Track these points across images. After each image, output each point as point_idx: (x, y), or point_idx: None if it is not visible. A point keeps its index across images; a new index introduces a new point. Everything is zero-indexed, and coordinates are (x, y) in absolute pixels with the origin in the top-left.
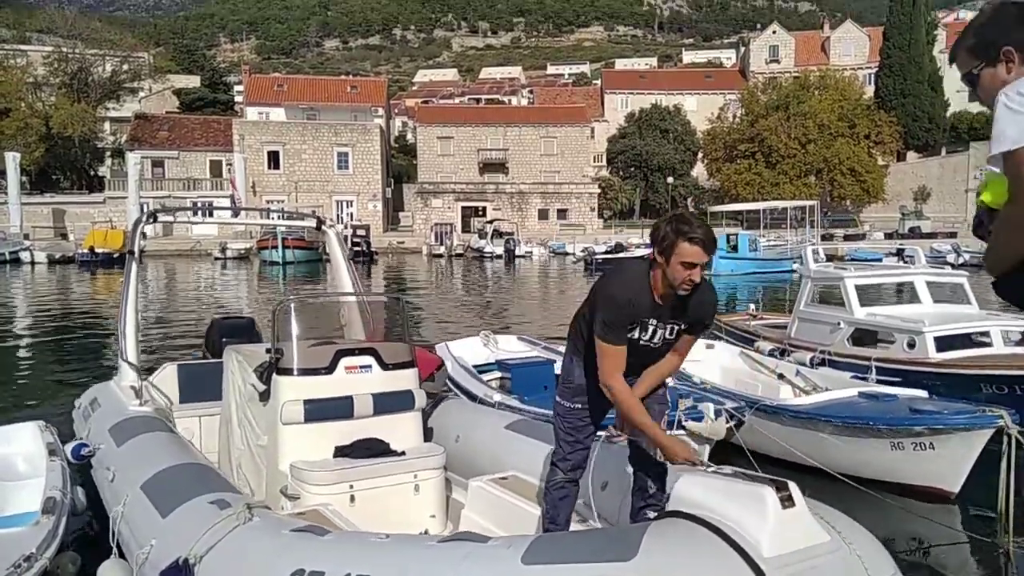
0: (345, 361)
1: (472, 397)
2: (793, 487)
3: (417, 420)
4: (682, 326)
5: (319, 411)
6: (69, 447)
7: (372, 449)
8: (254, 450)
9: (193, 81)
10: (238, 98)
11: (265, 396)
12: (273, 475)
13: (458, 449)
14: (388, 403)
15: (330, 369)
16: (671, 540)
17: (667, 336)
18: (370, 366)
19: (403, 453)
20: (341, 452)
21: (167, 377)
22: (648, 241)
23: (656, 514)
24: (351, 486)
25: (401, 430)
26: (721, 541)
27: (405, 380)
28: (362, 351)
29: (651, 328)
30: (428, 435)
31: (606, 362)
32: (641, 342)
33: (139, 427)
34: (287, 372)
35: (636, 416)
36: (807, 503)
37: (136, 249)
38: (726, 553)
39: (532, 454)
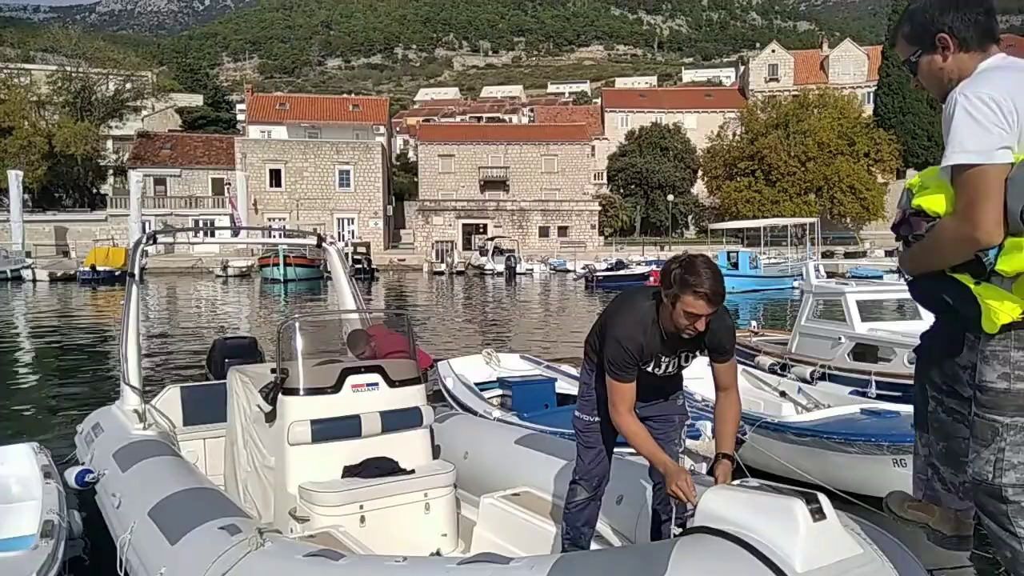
0: (351, 379)
1: (472, 413)
2: (823, 499)
3: (425, 437)
4: (696, 354)
5: (326, 431)
6: (73, 473)
7: (381, 468)
8: (260, 472)
9: (196, 100)
10: (240, 117)
11: (271, 417)
12: (281, 497)
13: (467, 465)
14: (396, 421)
15: (336, 388)
16: (701, 557)
17: (681, 364)
18: (377, 384)
19: (413, 471)
20: (350, 472)
21: (170, 399)
22: (648, 259)
23: (681, 528)
24: (361, 506)
25: (410, 448)
26: (752, 557)
27: (412, 397)
28: (368, 369)
29: (664, 362)
30: (436, 452)
31: (616, 399)
32: (655, 374)
33: (144, 451)
34: (293, 392)
35: (646, 448)
36: (837, 515)
37: (137, 271)
38: (758, 569)
39: (544, 469)
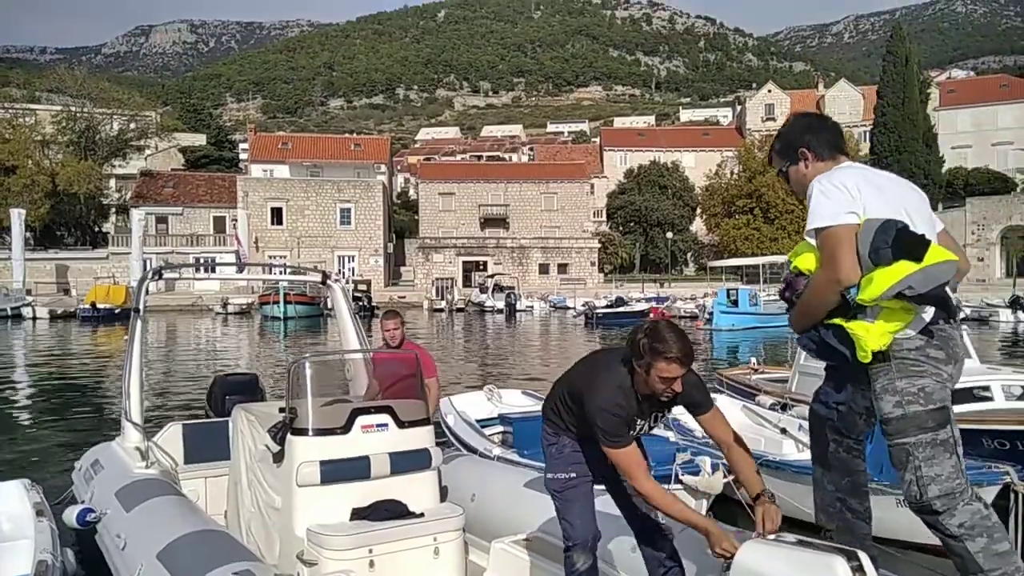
0: (361, 420)
1: (472, 451)
2: (863, 556)
3: (434, 479)
4: (666, 412)
5: (336, 472)
6: (74, 512)
7: (391, 511)
8: (265, 512)
9: (199, 139)
10: (243, 156)
11: (279, 457)
12: (287, 539)
13: (474, 508)
14: (405, 462)
15: (346, 428)
16: None
17: (651, 424)
18: (386, 425)
19: (422, 515)
20: (358, 514)
21: (171, 437)
22: (648, 295)
23: None
24: (370, 551)
25: (418, 490)
26: None
27: (421, 438)
28: (378, 409)
29: (639, 425)
30: (443, 494)
31: (628, 466)
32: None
33: (148, 491)
34: (302, 432)
35: (680, 514)
36: (877, 572)
37: (141, 307)
38: None
39: (554, 513)
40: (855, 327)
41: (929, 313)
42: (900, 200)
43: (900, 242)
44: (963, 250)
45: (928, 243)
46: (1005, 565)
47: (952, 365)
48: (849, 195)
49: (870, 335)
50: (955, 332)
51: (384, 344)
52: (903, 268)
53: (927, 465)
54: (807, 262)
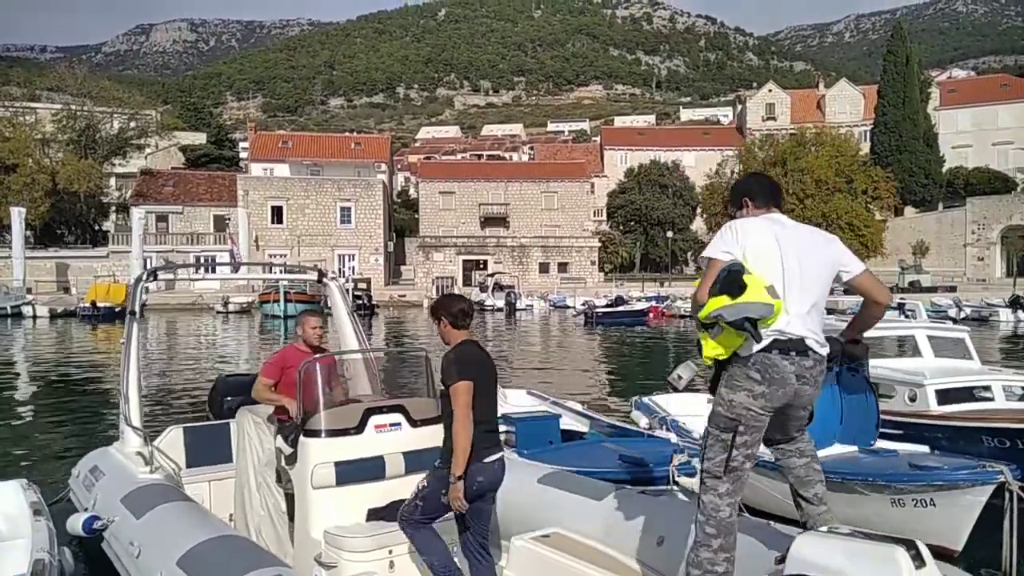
0: (374, 420)
1: None
2: (921, 545)
3: None
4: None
5: (351, 473)
6: (79, 520)
7: None
8: (274, 515)
9: (199, 138)
10: (243, 154)
11: (292, 459)
12: (304, 542)
13: None
14: (419, 461)
15: (360, 429)
16: None
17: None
18: (399, 424)
19: None
20: (375, 515)
21: (172, 441)
22: (648, 294)
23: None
24: (390, 551)
25: None
26: None
27: (434, 436)
28: (391, 408)
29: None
30: None
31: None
32: None
33: (156, 497)
34: (315, 434)
35: (463, 446)
36: (936, 563)
37: (137, 308)
38: None
39: (571, 509)
40: (701, 337)
41: (759, 345)
42: (795, 249)
43: (725, 282)
44: (885, 288)
45: (744, 286)
46: (716, 528)
47: (767, 386)
48: (735, 238)
49: (707, 346)
50: (781, 361)
51: (305, 342)
52: (721, 300)
53: (708, 448)
54: (697, 284)
